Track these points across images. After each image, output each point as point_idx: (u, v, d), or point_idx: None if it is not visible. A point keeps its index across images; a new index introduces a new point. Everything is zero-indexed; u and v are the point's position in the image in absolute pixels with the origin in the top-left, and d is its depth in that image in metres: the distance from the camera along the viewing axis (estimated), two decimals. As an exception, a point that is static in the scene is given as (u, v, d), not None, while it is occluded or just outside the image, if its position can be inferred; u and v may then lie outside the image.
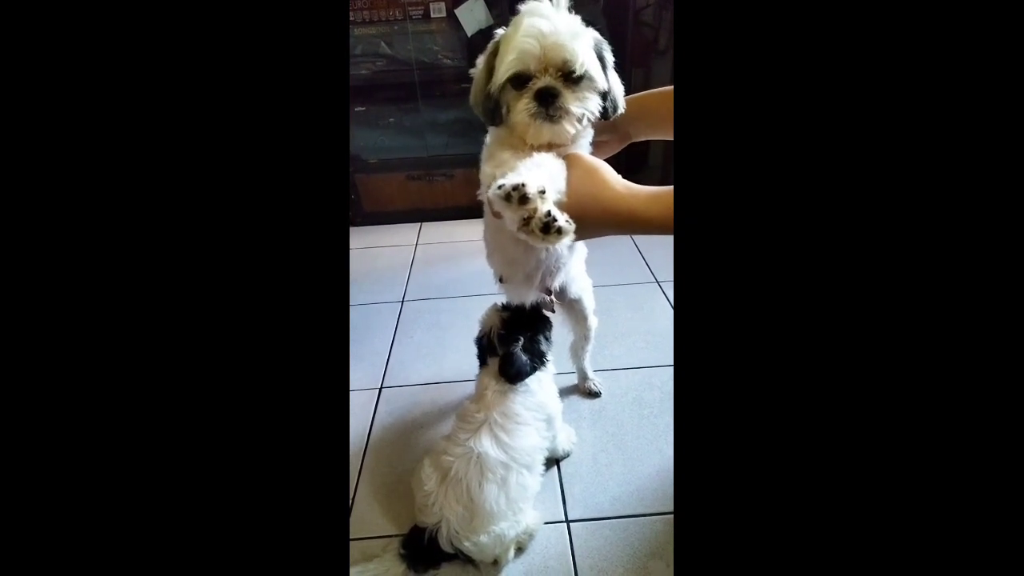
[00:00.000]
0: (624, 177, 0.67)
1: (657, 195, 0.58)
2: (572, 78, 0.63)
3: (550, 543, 0.94)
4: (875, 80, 0.30)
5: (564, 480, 1.06)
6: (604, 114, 0.68)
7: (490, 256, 0.91)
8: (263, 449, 0.35)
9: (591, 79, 0.64)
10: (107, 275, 0.32)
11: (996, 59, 0.28)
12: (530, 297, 0.93)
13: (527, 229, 0.54)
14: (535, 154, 0.62)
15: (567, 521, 0.98)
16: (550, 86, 0.62)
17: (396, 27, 1.90)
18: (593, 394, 1.24)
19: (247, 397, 0.34)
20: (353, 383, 1.35)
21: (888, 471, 0.30)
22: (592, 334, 1.15)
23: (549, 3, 0.64)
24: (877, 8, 0.30)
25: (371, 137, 2.07)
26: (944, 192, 0.29)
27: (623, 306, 1.55)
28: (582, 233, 0.63)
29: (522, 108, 0.64)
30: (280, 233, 0.35)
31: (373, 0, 1.84)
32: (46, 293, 0.31)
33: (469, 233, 2.00)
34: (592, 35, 0.66)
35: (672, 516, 0.96)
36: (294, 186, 0.35)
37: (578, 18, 0.65)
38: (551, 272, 0.89)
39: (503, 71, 0.64)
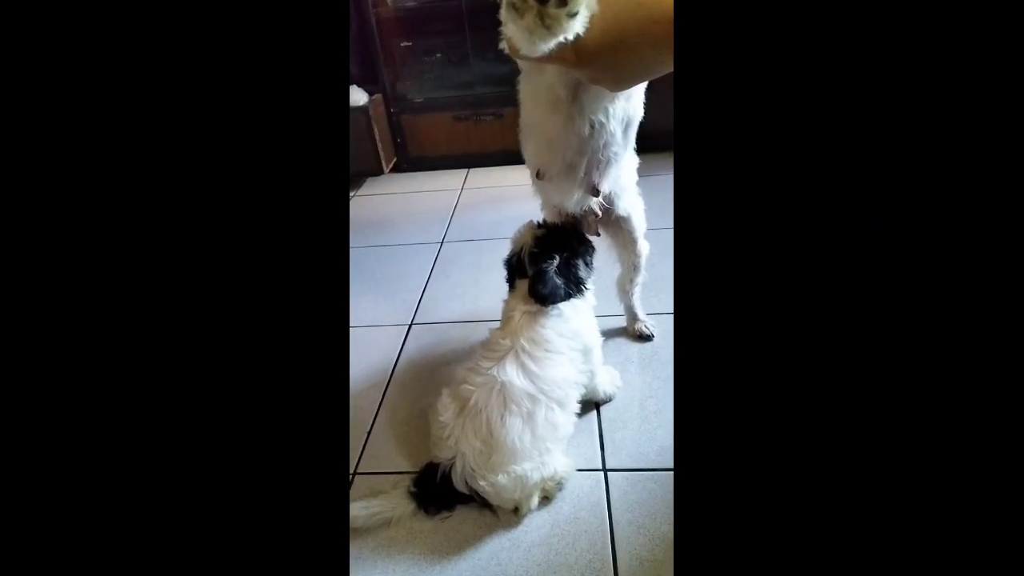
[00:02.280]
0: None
1: None
2: None
3: (583, 492, 0.80)
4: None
5: (604, 426, 0.91)
6: None
7: (525, 144, 0.76)
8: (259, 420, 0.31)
9: None
10: (110, 250, 0.30)
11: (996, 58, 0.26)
12: (573, 198, 0.78)
13: (516, 12, 0.39)
14: None
15: (604, 470, 0.83)
16: None
17: (445, -49, 1.76)
18: (644, 337, 1.08)
19: (243, 373, 0.31)
20: (383, 319, 1.26)
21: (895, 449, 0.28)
22: (642, 263, 0.99)
23: None
24: None
25: (417, 74, 1.96)
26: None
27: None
28: (620, 64, 0.47)
29: None
30: (277, 198, 0.32)
31: (421, -78, 1.71)
32: (35, 285, 0.29)
33: (518, 178, 1.85)
34: None
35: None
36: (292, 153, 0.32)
37: None
38: (598, 163, 0.73)
39: None
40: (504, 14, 0.42)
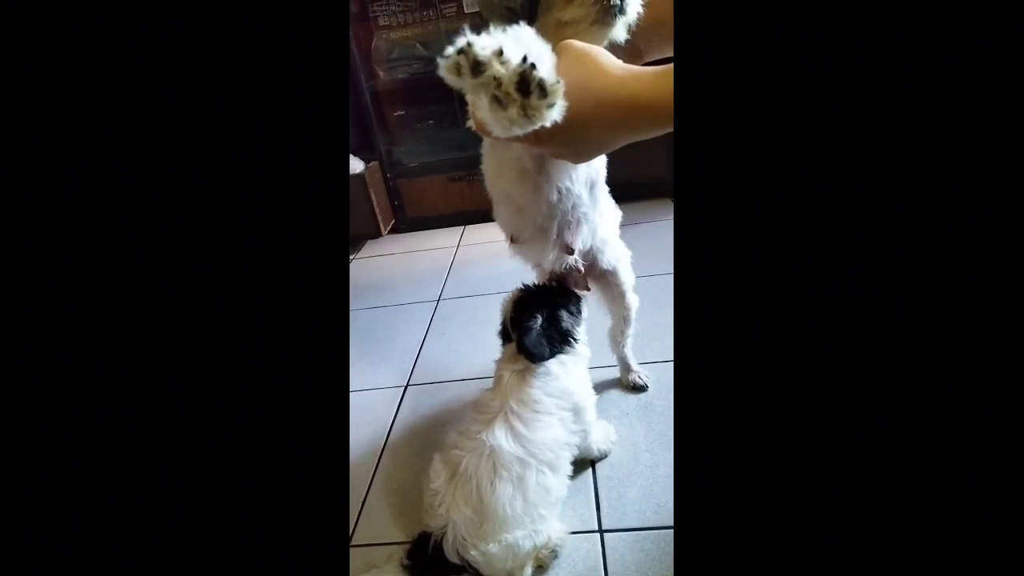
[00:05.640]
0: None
1: (666, 73, 0.44)
2: None
3: (579, 556, 0.78)
4: None
5: (600, 484, 0.89)
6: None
7: (497, 210, 0.79)
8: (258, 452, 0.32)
9: None
10: (113, 261, 0.30)
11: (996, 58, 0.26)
12: (548, 258, 0.80)
13: (499, 105, 0.41)
14: (510, 29, 0.49)
15: (600, 531, 0.81)
16: None
17: (430, 27, 1.88)
18: (638, 388, 1.07)
19: (243, 399, 0.32)
20: (377, 382, 1.27)
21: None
22: (632, 315, 0.99)
23: None
24: None
25: (411, 140, 2.05)
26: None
27: (678, 296, 1.36)
28: (576, 141, 0.50)
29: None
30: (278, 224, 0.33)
31: (406, 3, 1.83)
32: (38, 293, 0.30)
33: (512, 232, 1.90)
34: None
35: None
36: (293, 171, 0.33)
37: None
38: (569, 223, 0.75)
39: None
40: (484, 105, 0.44)
